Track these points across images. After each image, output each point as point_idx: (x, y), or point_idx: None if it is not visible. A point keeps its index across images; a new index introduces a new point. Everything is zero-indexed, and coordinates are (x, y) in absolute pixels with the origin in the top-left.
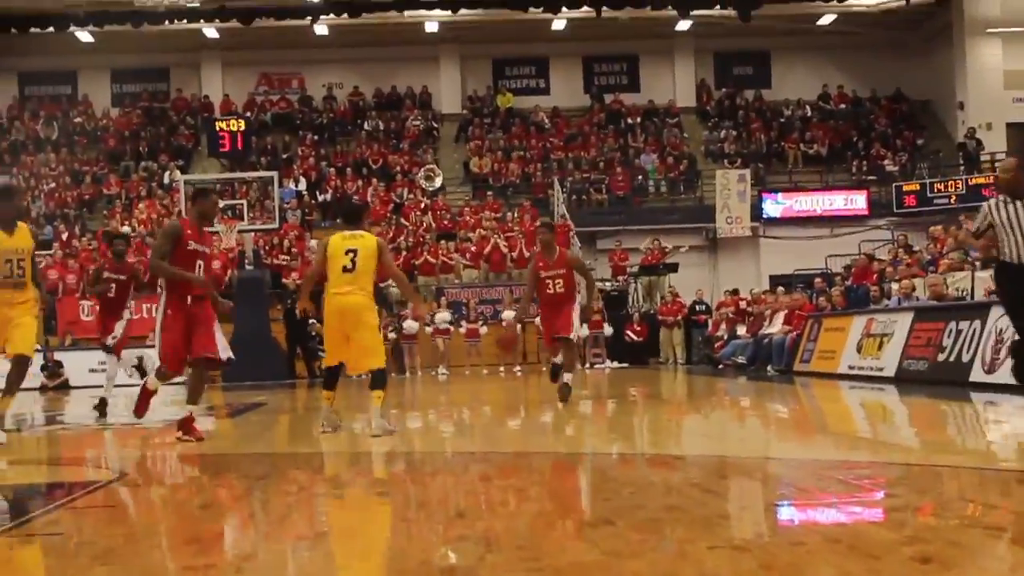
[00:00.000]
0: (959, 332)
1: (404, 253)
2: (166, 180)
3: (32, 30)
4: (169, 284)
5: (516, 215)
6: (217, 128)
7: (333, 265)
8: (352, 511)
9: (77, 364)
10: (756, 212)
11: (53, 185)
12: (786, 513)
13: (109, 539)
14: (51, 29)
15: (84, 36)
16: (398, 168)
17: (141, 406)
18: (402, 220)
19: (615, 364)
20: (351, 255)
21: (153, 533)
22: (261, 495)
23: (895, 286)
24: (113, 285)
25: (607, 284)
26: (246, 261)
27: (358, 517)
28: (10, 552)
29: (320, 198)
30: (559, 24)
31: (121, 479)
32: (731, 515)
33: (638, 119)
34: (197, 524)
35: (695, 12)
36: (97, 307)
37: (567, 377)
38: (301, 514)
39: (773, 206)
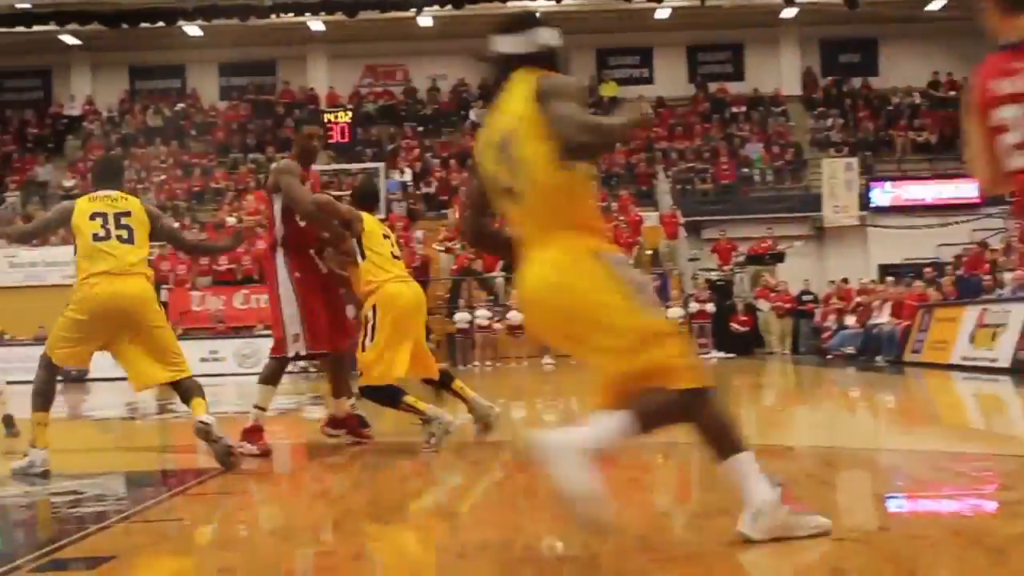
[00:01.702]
0: None
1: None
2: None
3: (142, 25)
4: (296, 240)
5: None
6: (324, 120)
7: (381, 247)
8: (464, 501)
9: (188, 354)
10: (864, 201)
11: (163, 178)
12: (904, 505)
13: (227, 525)
14: (161, 24)
15: (193, 30)
16: None
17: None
18: None
19: (721, 354)
20: (390, 240)
21: (270, 520)
22: (373, 483)
23: (1008, 276)
24: None
25: (712, 274)
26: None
27: (471, 506)
28: (131, 538)
29: (424, 190)
30: (663, 13)
31: (235, 466)
32: (849, 507)
33: (743, 108)
34: (313, 511)
35: None
36: None
37: None
38: (415, 501)
39: (881, 195)
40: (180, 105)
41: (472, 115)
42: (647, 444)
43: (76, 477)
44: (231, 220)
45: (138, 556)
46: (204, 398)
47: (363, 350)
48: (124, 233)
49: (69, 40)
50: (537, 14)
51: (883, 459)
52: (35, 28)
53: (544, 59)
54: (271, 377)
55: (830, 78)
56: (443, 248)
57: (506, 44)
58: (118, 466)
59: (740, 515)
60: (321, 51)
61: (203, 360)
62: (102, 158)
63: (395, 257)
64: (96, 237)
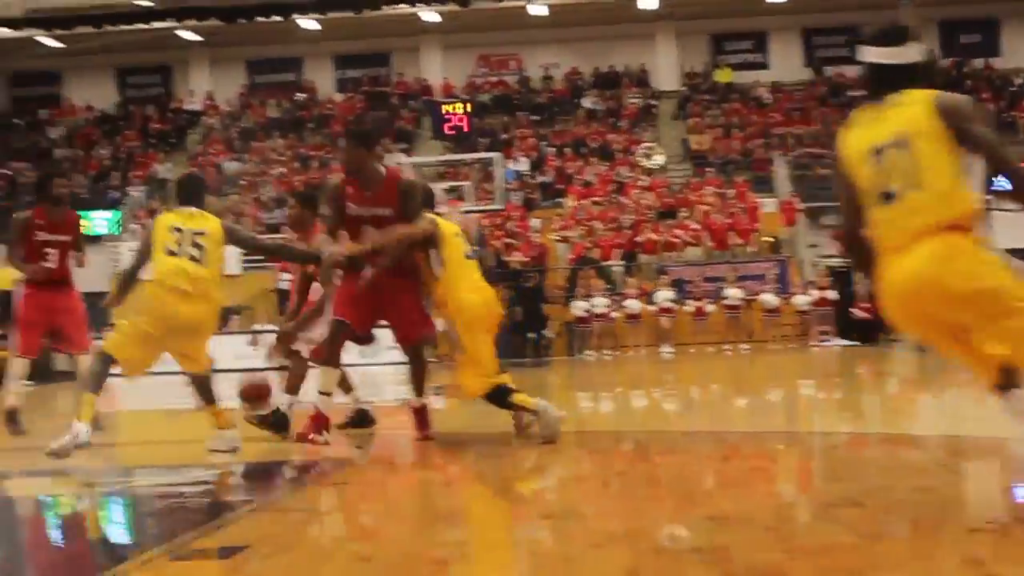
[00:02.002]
0: None
1: (626, 231)
2: (390, 163)
3: (259, 20)
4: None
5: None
6: (442, 111)
7: (457, 255)
8: (588, 491)
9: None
10: (986, 184)
11: (282, 170)
12: None
13: (357, 515)
14: (277, 18)
15: (308, 24)
16: (617, 147)
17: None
18: (623, 199)
19: (844, 342)
20: (460, 238)
21: (398, 510)
22: (496, 473)
23: None
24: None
25: (833, 260)
26: (471, 242)
27: (595, 496)
28: (263, 528)
29: (540, 178)
30: None
31: (361, 457)
32: (982, 497)
33: (862, 92)
34: (441, 501)
35: None
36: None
37: None
38: (537, 493)
39: (1004, 178)
40: (297, 97)
41: (586, 102)
42: (767, 433)
43: (203, 467)
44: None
45: (271, 546)
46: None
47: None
48: (196, 252)
49: (188, 36)
50: (908, 28)
51: (1013, 448)
52: (155, 25)
53: (917, 72)
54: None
55: (950, 59)
56: (560, 237)
57: (880, 55)
58: (242, 456)
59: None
60: (435, 42)
61: None
62: (184, 176)
63: (468, 257)
64: (169, 251)
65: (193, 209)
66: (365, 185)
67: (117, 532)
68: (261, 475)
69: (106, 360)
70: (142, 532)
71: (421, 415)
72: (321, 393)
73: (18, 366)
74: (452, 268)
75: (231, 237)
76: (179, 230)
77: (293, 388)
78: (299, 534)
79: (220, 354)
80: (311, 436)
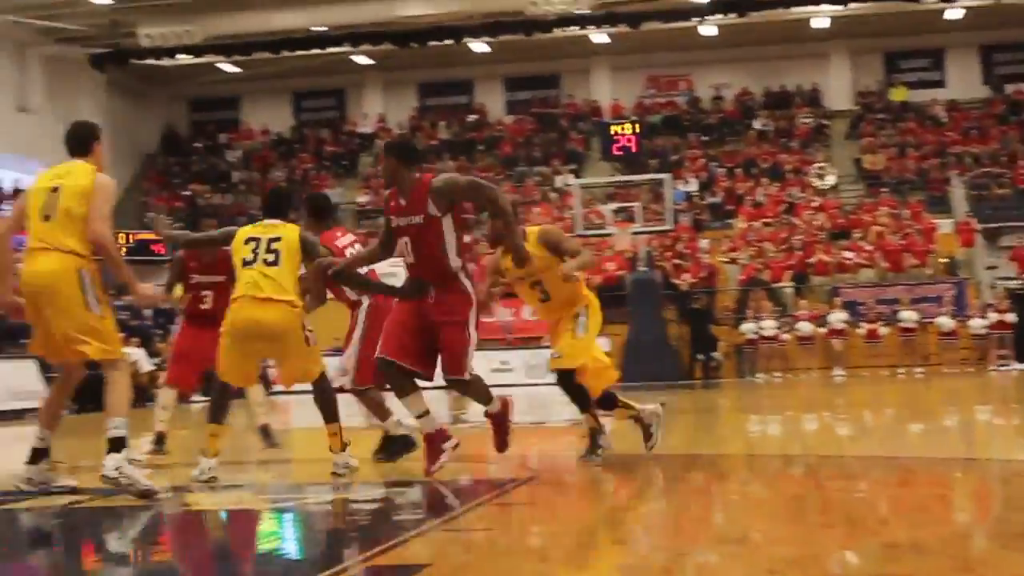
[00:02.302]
0: None
1: (797, 252)
2: (559, 184)
3: (431, 43)
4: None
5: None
6: (611, 132)
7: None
8: (760, 516)
9: (478, 364)
10: None
11: None
12: None
13: (531, 536)
14: (448, 42)
15: (479, 47)
16: (788, 167)
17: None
18: (794, 219)
19: (1023, 366)
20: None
21: (572, 532)
22: (668, 496)
23: None
24: None
25: (1012, 283)
26: (639, 263)
27: (767, 522)
28: (443, 547)
29: (710, 199)
30: (955, 13)
31: (534, 477)
32: None
33: None
34: (614, 524)
35: None
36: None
37: None
38: (708, 517)
39: None
40: (468, 118)
41: (757, 123)
42: (944, 460)
43: (379, 486)
44: None
45: (449, 565)
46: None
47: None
48: (270, 257)
49: (362, 60)
50: None
51: None
52: (330, 50)
53: None
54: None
55: None
56: (729, 258)
57: None
58: (418, 475)
59: None
60: (604, 63)
61: (494, 371)
62: (270, 190)
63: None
64: (245, 262)
65: (275, 220)
66: (403, 195)
67: (293, 550)
68: (435, 494)
69: (222, 388)
70: (321, 548)
71: (499, 423)
72: (418, 417)
73: (165, 395)
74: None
75: (310, 252)
76: (255, 239)
77: (383, 414)
78: (477, 554)
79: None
80: (437, 464)
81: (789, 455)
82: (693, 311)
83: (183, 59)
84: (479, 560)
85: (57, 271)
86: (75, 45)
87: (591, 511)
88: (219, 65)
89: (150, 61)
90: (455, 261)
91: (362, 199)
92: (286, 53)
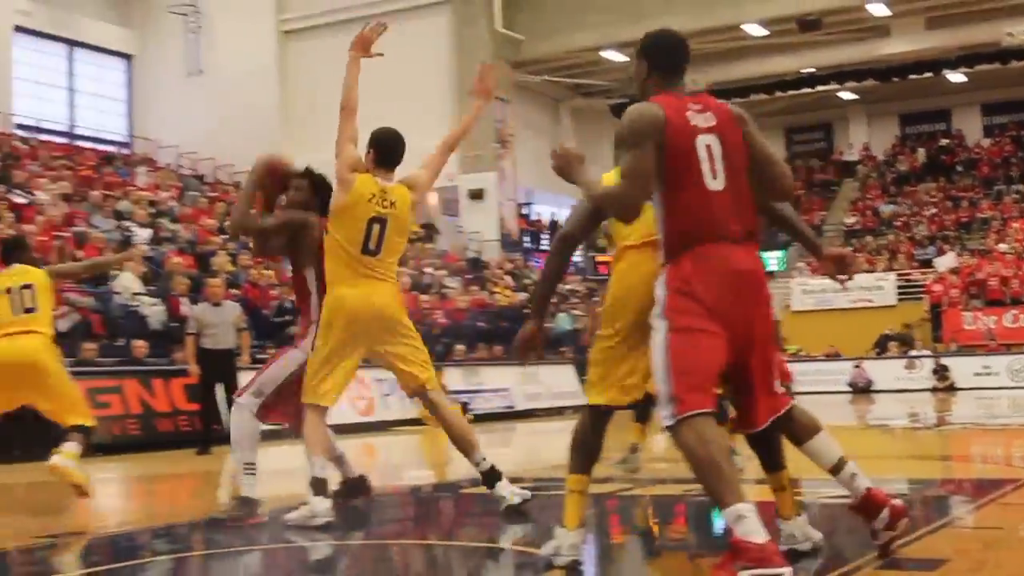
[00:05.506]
0: None
1: None
2: None
3: (910, 77)
4: None
5: None
6: None
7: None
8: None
9: (961, 369)
10: None
11: (933, 211)
12: None
13: None
14: (927, 74)
15: (956, 77)
16: None
17: None
18: None
19: None
20: None
21: None
22: None
23: None
24: None
25: None
26: None
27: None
28: (958, 543)
29: None
30: None
31: None
32: None
33: None
34: None
35: None
36: None
37: None
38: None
39: None
40: (945, 143)
41: None
42: None
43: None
44: (1002, 247)
45: (972, 560)
46: None
47: None
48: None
49: (846, 96)
50: None
51: None
52: (818, 88)
53: None
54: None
55: None
56: None
57: None
58: (915, 472)
59: None
60: None
61: (976, 375)
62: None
63: None
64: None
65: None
66: None
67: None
68: (958, 491)
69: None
70: (840, 542)
71: None
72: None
73: None
74: None
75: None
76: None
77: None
78: (992, 552)
79: (881, 376)
80: None
81: None
82: None
83: None
84: (993, 559)
85: None
86: (598, 97)
87: None
88: None
89: None
90: None
91: (849, 220)
92: (779, 93)
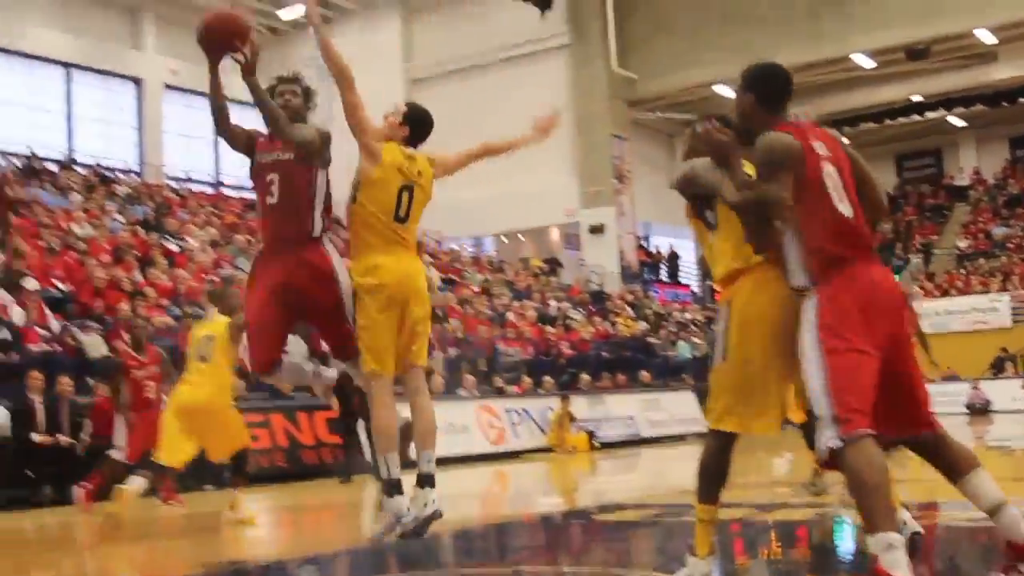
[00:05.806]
0: None
1: None
2: None
3: (1020, 101)
4: None
5: None
6: None
7: None
8: None
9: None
10: None
11: None
12: None
13: None
14: None
15: None
16: None
17: None
18: None
19: None
20: None
21: None
22: None
23: None
24: None
25: None
26: None
27: None
28: None
29: None
30: None
31: None
32: None
33: None
34: None
35: None
36: None
37: None
38: None
39: None
40: None
41: None
42: None
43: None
44: None
45: None
46: None
47: None
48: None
49: (956, 122)
50: None
51: None
52: (927, 115)
53: None
54: None
55: None
56: None
57: None
58: None
59: None
60: None
61: (1013, 399)
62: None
63: None
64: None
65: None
66: None
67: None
68: None
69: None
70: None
71: None
72: None
73: None
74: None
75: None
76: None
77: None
78: None
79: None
80: None
81: None
82: None
83: None
84: None
85: None
86: None
87: None
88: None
89: None
90: None
91: (962, 244)
92: (888, 122)
